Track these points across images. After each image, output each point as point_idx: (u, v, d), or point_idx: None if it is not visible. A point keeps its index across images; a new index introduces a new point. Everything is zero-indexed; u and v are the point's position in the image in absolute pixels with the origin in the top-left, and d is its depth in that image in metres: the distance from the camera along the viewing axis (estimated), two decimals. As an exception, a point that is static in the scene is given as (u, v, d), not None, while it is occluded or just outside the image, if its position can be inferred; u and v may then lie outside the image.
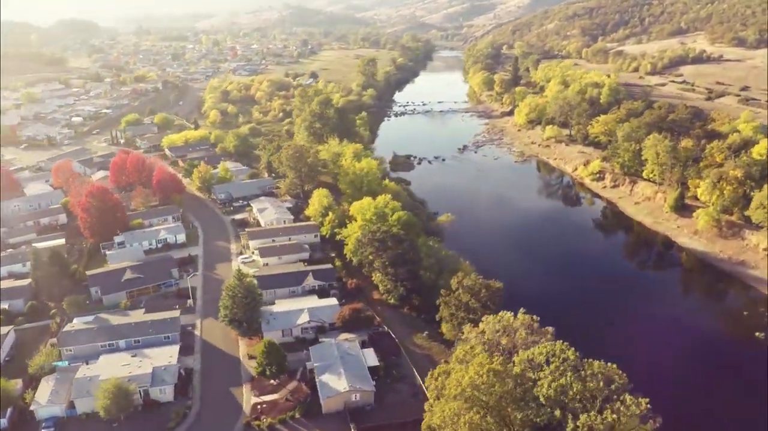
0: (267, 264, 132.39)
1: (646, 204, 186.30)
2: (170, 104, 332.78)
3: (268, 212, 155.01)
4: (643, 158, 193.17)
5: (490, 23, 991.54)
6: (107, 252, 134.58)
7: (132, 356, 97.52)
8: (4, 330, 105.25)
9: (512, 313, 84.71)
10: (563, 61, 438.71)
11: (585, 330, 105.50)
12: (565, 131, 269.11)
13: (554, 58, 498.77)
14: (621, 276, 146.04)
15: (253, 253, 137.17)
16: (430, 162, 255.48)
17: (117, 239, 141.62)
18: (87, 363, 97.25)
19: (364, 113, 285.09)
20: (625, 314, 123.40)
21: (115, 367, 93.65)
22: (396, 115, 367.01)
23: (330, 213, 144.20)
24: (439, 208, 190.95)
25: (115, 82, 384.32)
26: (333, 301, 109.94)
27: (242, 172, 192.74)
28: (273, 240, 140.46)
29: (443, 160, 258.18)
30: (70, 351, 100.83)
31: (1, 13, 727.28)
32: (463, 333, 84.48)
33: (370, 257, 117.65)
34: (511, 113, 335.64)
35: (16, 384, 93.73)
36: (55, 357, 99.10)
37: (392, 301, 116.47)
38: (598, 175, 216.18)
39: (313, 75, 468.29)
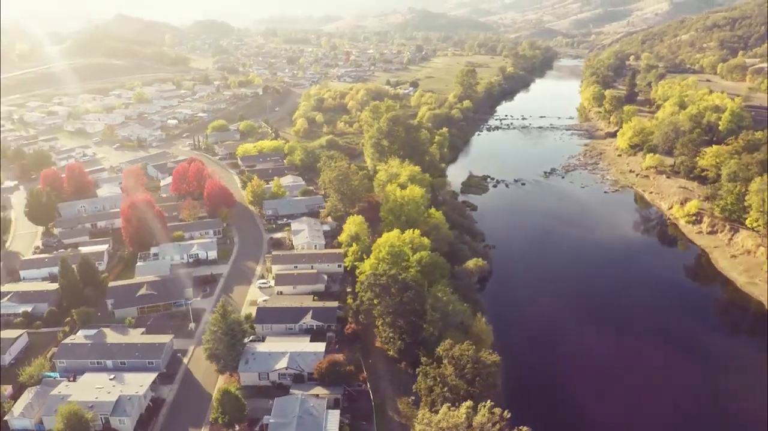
0: (281, 293, 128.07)
1: (744, 259, 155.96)
2: (266, 110, 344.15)
3: (302, 235, 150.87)
4: (746, 203, 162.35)
5: (621, 31, 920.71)
6: (137, 264, 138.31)
7: (110, 378, 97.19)
8: (16, 333, 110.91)
9: (486, 403, 71.33)
10: (688, 77, 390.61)
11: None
12: (669, 161, 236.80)
13: (684, 72, 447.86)
14: (697, 348, 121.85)
15: (272, 278, 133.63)
16: (507, 185, 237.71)
17: (153, 250, 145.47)
18: (74, 379, 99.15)
19: (444, 129, 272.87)
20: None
21: (89, 389, 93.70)
22: (489, 129, 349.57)
23: (354, 244, 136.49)
24: (497, 240, 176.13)
25: (221, 85, 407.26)
26: (320, 347, 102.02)
27: (299, 188, 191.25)
28: (295, 266, 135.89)
29: (523, 184, 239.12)
30: (63, 363, 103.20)
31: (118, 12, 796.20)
32: (418, 419, 72.44)
33: (373, 301, 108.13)
34: (614, 135, 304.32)
35: (5, 390, 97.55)
36: (46, 368, 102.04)
37: (391, 353, 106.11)
38: (694, 217, 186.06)
39: (414, 84, 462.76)
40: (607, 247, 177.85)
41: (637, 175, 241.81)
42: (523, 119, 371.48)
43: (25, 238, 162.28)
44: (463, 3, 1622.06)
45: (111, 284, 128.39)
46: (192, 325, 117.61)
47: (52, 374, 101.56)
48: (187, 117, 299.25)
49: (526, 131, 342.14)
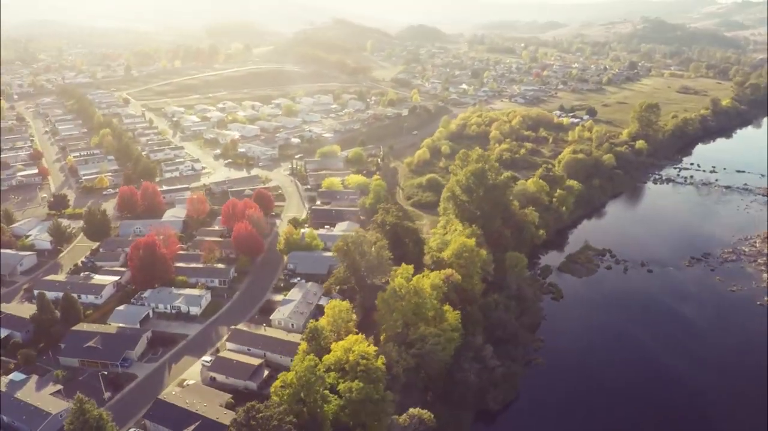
0: (213, 379, 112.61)
1: None
2: (402, 134, 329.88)
3: (286, 309, 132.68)
4: None
5: None
6: (116, 308, 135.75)
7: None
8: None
9: None
10: None
11: None
12: None
13: None
14: None
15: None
16: (626, 269, 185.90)
17: (146, 293, 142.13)
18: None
19: (574, 183, 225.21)
20: None
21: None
22: (657, 181, 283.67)
23: (315, 339, 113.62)
24: (554, 353, 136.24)
25: (375, 101, 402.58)
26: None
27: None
28: (249, 350, 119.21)
29: (650, 270, 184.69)
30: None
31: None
32: None
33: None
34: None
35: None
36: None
37: None
38: None
39: (590, 112, 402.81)
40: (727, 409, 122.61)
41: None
42: (712, 171, 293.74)
43: (81, 251, 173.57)
44: (712, 13, 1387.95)
45: (75, 327, 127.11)
46: (107, 394, 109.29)
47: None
48: (311, 137, 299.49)
49: (706, 190, 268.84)
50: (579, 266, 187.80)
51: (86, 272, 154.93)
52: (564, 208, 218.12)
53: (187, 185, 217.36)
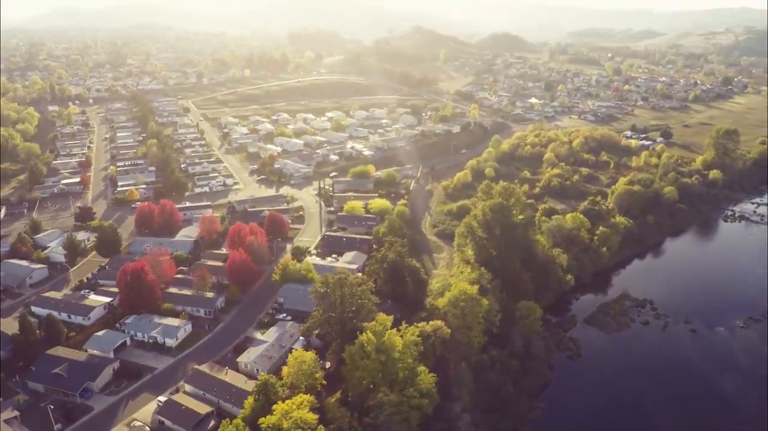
0: (162, 423, 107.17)
1: None
2: (449, 153, 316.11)
3: (253, 351, 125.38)
4: None
5: None
6: (94, 334, 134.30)
7: None
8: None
9: None
10: None
11: None
12: None
13: None
14: None
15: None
16: (665, 326, 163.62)
17: (129, 320, 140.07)
18: None
19: (606, 231, 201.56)
20: None
21: None
22: (729, 218, 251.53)
23: (264, 394, 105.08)
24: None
25: (429, 117, 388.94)
26: None
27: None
28: (203, 394, 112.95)
29: (693, 330, 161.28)
30: None
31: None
32: None
33: None
34: None
35: None
36: None
37: None
38: None
39: (665, 134, 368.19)
40: None
41: None
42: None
43: (92, 266, 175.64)
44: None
45: (50, 351, 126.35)
46: (57, 427, 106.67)
47: None
48: (351, 154, 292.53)
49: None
50: (610, 319, 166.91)
51: (85, 291, 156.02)
52: (605, 248, 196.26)
53: (209, 203, 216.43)
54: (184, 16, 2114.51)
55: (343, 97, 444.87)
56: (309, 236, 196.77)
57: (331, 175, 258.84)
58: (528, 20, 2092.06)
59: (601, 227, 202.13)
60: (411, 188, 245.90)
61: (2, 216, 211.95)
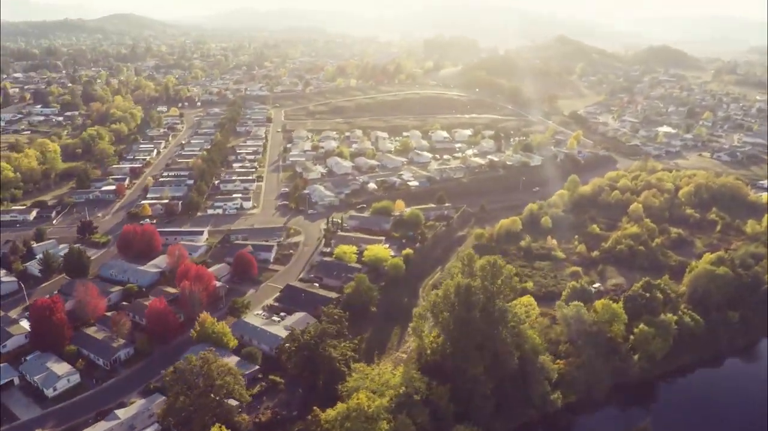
0: None
1: None
2: (517, 190, 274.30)
3: (98, 428, 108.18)
4: None
5: None
6: None
7: None
8: None
9: None
10: None
11: None
12: None
13: None
14: None
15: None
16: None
17: (28, 357, 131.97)
18: None
19: (646, 331, 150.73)
20: None
21: None
22: None
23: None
24: None
25: (509, 144, 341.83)
26: None
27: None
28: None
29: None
30: None
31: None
32: None
33: None
34: None
35: None
36: None
37: None
38: None
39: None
40: None
41: None
42: None
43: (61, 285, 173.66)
44: None
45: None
46: None
47: None
48: (395, 183, 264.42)
49: None
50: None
51: (26, 314, 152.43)
52: (637, 356, 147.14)
53: (202, 229, 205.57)
54: (346, 20, 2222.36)
55: (433, 114, 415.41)
56: (284, 281, 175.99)
57: (357, 207, 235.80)
58: (700, 32, 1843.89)
59: (641, 326, 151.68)
60: (438, 232, 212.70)
61: (32, 219, 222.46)
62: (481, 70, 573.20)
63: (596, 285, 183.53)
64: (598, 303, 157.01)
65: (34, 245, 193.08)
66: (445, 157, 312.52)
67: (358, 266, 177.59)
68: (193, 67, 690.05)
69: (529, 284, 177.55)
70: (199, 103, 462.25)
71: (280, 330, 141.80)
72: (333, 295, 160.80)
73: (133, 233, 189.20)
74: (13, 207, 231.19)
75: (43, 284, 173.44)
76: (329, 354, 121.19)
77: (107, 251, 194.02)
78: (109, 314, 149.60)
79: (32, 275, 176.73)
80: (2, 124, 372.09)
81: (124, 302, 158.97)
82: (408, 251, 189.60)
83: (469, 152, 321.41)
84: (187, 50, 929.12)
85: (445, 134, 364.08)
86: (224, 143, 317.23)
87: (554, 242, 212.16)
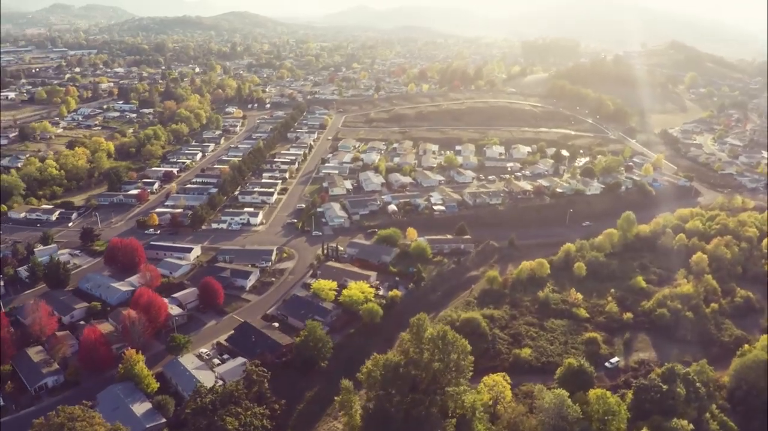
0: None
1: None
2: (561, 224, 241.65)
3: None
4: None
5: None
6: None
7: None
8: None
9: None
10: None
11: None
12: None
13: None
14: None
15: None
16: None
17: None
18: None
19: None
20: None
21: None
22: None
23: None
24: None
25: (565, 167, 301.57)
26: None
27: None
28: None
29: None
30: None
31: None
32: None
33: None
34: None
35: None
36: None
37: None
38: None
39: None
40: None
41: None
42: None
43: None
44: None
45: None
46: None
47: None
48: (419, 206, 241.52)
49: None
50: None
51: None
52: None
53: (192, 246, 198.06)
54: (459, 18, 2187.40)
55: (497, 127, 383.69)
56: (252, 314, 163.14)
57: (368, 231, 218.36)
58: None
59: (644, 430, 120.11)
60: (444, 270, 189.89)
61: (54, 219, 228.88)
62: (566, 78, 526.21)
63: (615, 360, 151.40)
64: (593, 393, 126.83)
65: (38, 248, 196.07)
66: (490, 178, 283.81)
67: (329, 307, 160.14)
68: (283, 67, 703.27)
69: (526, 352, 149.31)
70: (268, 105, 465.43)
71: (210, 379, 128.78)
72: (287, 341, 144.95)
73: (120, 246, 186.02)
74: (43, 206, 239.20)
75: (26, 292, 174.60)
76: (223, 426, 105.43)
77: (98, 262, 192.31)
78: (60, 334, 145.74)
79: (21, 281, 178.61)
80: (80, 118, 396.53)
81: (81, 322, 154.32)
82: (395, 292, 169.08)
83: (518, 173, 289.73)
84: (285, 49, 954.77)
85: (501, 149, 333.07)
86: (265, 150, 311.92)
87: (579, 295, 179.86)
